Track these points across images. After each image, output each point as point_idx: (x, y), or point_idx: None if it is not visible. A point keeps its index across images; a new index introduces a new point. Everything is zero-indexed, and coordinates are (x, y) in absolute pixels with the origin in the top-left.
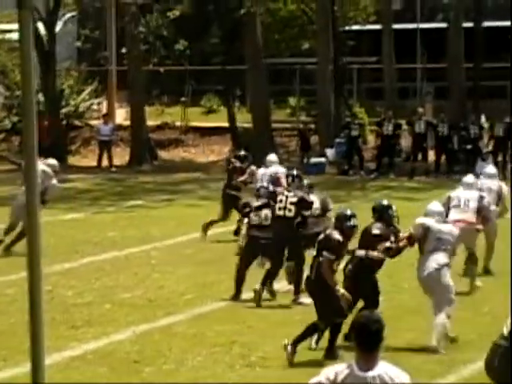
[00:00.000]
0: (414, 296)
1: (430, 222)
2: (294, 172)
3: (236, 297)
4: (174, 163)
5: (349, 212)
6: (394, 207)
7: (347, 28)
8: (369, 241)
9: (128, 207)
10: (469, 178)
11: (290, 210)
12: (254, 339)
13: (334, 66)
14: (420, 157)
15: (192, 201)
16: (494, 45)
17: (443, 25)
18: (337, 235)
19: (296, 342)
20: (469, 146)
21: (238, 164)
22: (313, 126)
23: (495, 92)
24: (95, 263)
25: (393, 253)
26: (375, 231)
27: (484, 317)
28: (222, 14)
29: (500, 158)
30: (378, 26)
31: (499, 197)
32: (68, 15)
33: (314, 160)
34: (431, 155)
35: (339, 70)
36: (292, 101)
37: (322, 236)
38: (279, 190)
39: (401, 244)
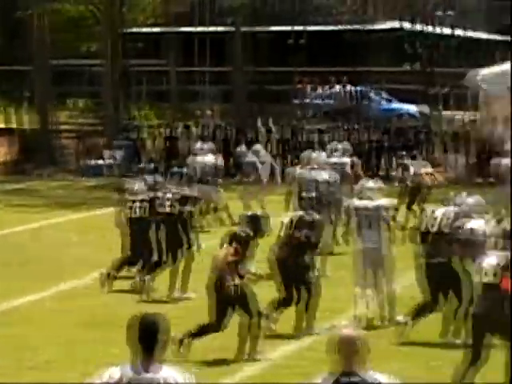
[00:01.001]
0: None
1: (354, 201)
2: (184, 170)
3: None
4: None
5: (262, 213)
6: None
7: (134, 30)
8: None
9: None
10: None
11: (174, 207)
12: (39, 342)
13: (118, 68)
14: None
15: None
16: (277, 49)
17: (226, 28)
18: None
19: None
20: None
21: None
22: (94, 128)
23: (280, 96)
24: None
25: None
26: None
27: None
28: (4, 12)
29: (288, 160)
30: (162, 29)
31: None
32: None
33: (92, 162)
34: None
35: (123, 72)
36: (75, 102)
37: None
38: (169, 186)
39: None
